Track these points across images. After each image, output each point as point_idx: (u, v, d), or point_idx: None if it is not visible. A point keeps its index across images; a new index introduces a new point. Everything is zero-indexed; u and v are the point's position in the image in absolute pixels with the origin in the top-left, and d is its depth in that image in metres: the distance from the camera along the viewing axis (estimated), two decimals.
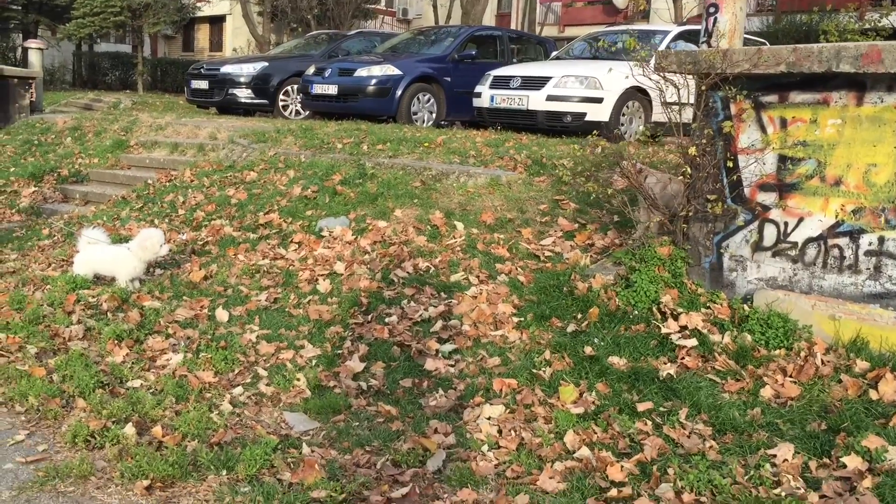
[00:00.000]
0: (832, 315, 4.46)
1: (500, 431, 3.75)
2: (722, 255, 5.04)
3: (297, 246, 6.79)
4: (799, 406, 3.95)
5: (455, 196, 7.50)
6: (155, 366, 4.55)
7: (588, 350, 4.58)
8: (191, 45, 39.89)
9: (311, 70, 13.46)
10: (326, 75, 12.93)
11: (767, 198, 4.82)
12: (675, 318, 4.77)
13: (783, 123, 4.74)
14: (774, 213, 4.80)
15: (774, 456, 3.42)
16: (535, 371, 4.36)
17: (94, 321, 5.22)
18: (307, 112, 14.58)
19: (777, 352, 4.44)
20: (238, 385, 4.36)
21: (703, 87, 4.96)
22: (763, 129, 4.81)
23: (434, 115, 12.97)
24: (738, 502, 3.14)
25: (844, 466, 3.30)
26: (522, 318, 5.03)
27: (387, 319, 5.21)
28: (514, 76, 11.29)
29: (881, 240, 4.41)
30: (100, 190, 9.93)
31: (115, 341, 4.78)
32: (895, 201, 4.34)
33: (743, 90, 4.81)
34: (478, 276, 5.82)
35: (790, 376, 4.22)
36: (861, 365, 4.22)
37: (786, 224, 4.76)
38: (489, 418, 3.89)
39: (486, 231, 6.77)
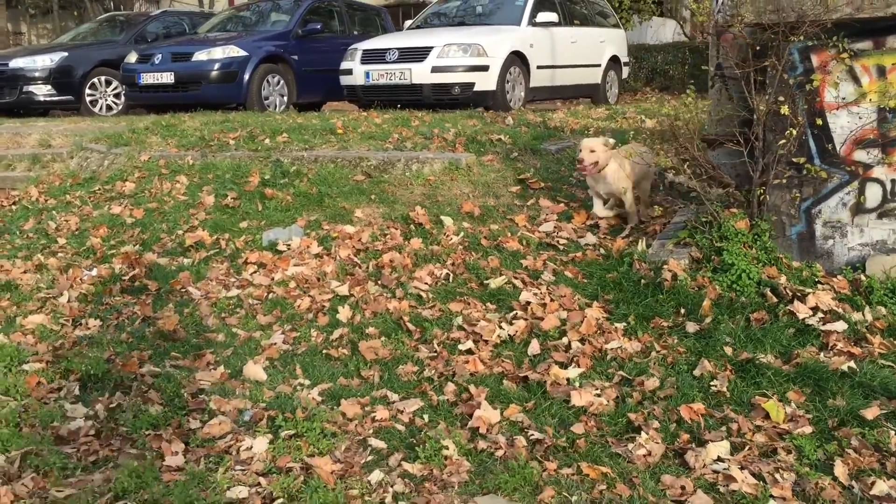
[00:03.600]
0: None
1: (760, 477, 2.99)
2: (813, 223, 4.58)
3: (256, 268, 5.51)
4: None
5: (415, 187, 6.52)
6: (239, 461, 3.27)
7: (728, 350, 3.92)
8: None
9: (133, 58, 11.57)
10: (157, 62, 11.14)
11: (868, 155, 4.40)
12: (801, 299, 4.23)
13: (881, 72, 4.31)
14: (878, 171, 4.39)
15: None
16: (707, 387, 3.63)
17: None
18: (120, 107, 12.62)
19: None
20: (369, 467, 3.22)
21: (789, 38, 4.40)
22: (856, 80, 4.37)
23: (286, 99, 11.65)
24: None
25: None
26: (626, 324, 4.26)
27: (460, 346, 4.22)
28: (388, 48, 10.30)
29: None
30: None
31: (155, 435, 3.43)
32: None
33: (830, 38, 4.32)
34: (516, 278, 4.97)
35: None
36: None
37: (893, 182, 4.36)
38: (721, 459, 3.11)
39: (477, 223, 5.90)
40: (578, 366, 3.91)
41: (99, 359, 4.26)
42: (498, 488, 3.05)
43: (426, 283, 5.01)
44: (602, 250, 5.36)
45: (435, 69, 9.91)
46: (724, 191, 4.89)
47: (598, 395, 3.65)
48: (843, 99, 4.41)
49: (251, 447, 3.34)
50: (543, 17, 10.96)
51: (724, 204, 4.89)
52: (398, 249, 5.50)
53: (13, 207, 7.35)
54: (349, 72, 10.52)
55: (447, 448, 3.27)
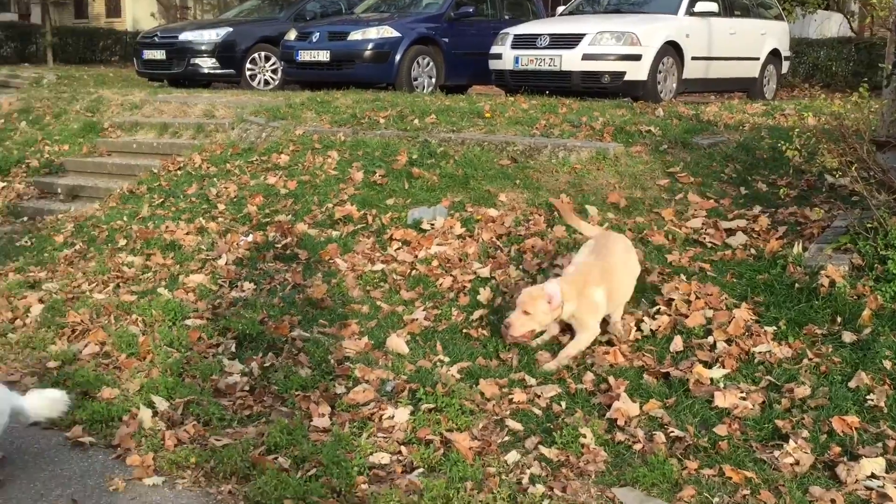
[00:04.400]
0: None
1: None
2: None
3: (400, 244, 5.66)
4: None
5: (560, 174, 6.50)
6: (381, 428, 3.40)
7: (888, 364, 3.72)
8: (84, 12, 36.65)
9: (293, 35, 12.02)
10: (314, 40, 11.54)
11: None
12: None
13: None
14: None
15: None
16: (863, 400, 3.46)
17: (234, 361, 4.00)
18: (277, 82, 13.17)
19: None
20: (505, 447, 3.28)
21: None
22: None
23: (434, 81, 11.82)
24: None
25: None
26: (776, 328, 4.11)
27: (600, 337, 4.20)
28: (540, 34, 10.26)
29: None
30: (87, 182, 8.41)
31: (304, 396, 3.61)
32: None
33: None
34: (661, 274, 4.87)
35: None
36: None
37: None
38: (875, 476, 2.97)
39: (621, 215, 5.82)
40: (723, 366, 3.81)
41: (254, 320, 4.51)
42: (636, 481, 3.03)
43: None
44: (753, 251, 5.17)
45: (586, 56, 9.80)
46: (892, 196, 4.61)
47: (744, 399, 3.55)
48: None
49: (393, 417, 3.45)
50: (702, 6, 10.62)
51: (891, 210, 4.62)
52: (541, 235, 5.51)
53: (178, 173, 7.83)
54: (499, 56, 10.55)
55: (584, 436, 3.28)
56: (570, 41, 9.95)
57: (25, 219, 7.86)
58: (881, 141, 4.86)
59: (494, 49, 10.71)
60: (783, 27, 12.70)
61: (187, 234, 6.25)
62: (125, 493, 3.10)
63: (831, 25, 20.10)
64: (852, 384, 3.59)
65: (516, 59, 10.30)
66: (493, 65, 10.72)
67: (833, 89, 13.84)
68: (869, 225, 4.64)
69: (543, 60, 10.05)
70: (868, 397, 3.49)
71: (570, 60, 9.85)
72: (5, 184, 8.59)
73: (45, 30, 23.89)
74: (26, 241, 6.70)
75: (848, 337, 3.97)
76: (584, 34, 9.89)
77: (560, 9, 12.32)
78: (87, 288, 5.34)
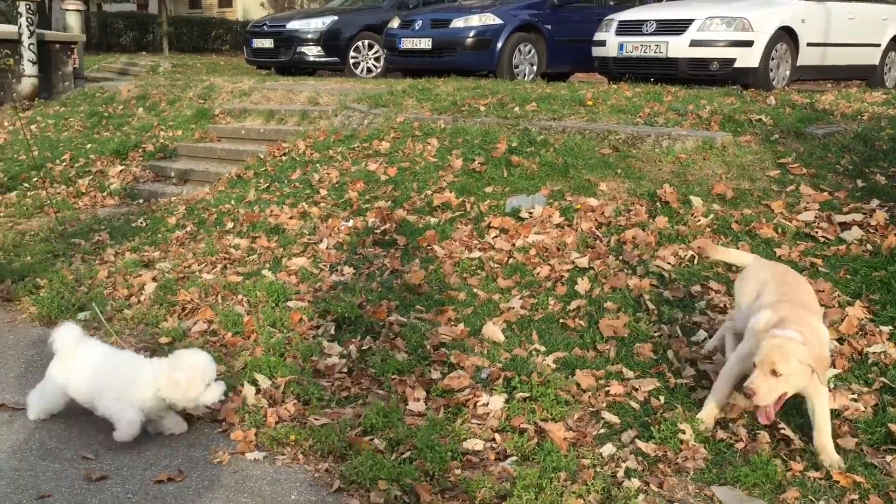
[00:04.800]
0: None
1: None
2: None
3: (498, 232, 5.64)
4: None
5: (664, 164, 6.34)
6: (475, 415, 3.42)
7: None
8: (198, 3, 38.04)
9: (396, 23, 12.15)
10: (417, 28, 11.63)
11: None
12: None
13: None
14: None
15: None
16: None
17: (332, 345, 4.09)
18: (379, 70, 13.33)
19: None
20: (601, 439, 3.24)
21: None
22: None
23: (535, 68, 11.73)
24: None
25: None
26: (893, 328, 3.91)
27: (701, 334, 4.09)
28: (646, 20, 10.03)
29: None
30: (197, 166, 8.73)
31: (400, 380, 3.66)
32: None
33: None
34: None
35: None
36: None
37: None
38: None
39: (728, 207, 5.63)
40: (834, 366, 3.65)
41: (353, 303, 4.59)
42: (737, 481, 2.94)
43: (669, 263, 4.89)
44: (869, 246, 4.93)
45: (693, 43, 9.53)
46: None
47: (855, 400, 3.40)
48: None
49: (487, 404, 3.46)
50: None
51: None
52: (642, 226, 5.40)
53: (283, 158, 8.03)
54: (602, 43, 10.38)
55: (683, 432, 3.20)
56: (677, 27, 9.70)
57: (141, 201, 8.23)
58: None
59: (598, 36, 10.54)
60: None
61: (290, 218, 6.41)
62: (228, 466, 3.22)
63: None
64: None
65: (620, 46, 10.11)
66: (597, 52, 10.55)
67: None
68: None
69: (649, 47, 9.82)
70: None
71: (677, 47, 9.60)
72: (123, 167, 9.01)
73: (162, 19, 24.89)
74: (142, 223, 7.00)
75: None
76: (693, 20, 9.62)
77: None
78: (197, 268, 5.55)
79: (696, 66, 9.60)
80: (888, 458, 3.03)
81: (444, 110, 8.25)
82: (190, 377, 3.26)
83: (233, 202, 7.03)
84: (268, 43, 13.48)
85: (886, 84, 11.57)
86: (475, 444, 3.23)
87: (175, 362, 3.32)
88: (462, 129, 7.52)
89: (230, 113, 9.95)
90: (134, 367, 3.37)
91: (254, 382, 3.70)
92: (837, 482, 2.90)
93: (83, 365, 3.37)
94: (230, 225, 6.49)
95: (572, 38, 11.64)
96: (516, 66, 11.47)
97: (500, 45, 11.20)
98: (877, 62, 11.36)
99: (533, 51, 11.63)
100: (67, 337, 3.45)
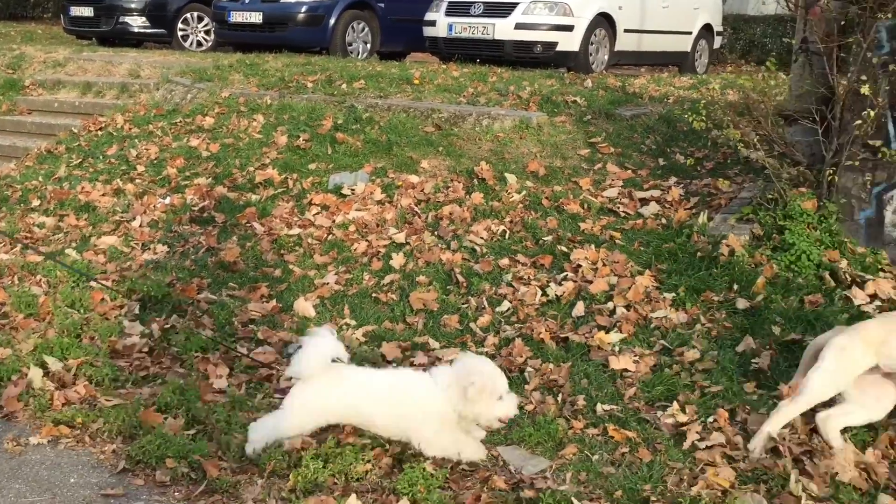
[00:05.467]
0: None
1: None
2: (883, 209, 4.42)
3: (319, 209, 5.64)
4: None
5: (483, 143, 6.53)
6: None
7: (776, 330, 3.85)
8: None
9: None
10: (247, 1, 11.32)
11: None
12: (860, 285, 4.12)
13: None
14: None
15: None
16: (748, 364, 3.59)
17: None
18: (210, 44, 12.89)
19: None
20: None
21: (871, 15, 4.22)
22: None
23: (369, 46, 11.70)
24: None
25: None
26: (675, 295, 4.22)
27: (505, 304, 4.26)
28: (474, 2, 10.23)
29: None
30: (4, 141, 8.18)
31: (203, 358, 3.59)
32: None
33: None
34: (571, 242, 4.95)
35: None
36: None
37: None
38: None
39: (540, 183, 5.88)
40: (620, 331, 3.91)
41: (161, 282, 4.47)
42: (522, 441, 3.11)
43: (482, 238, 5.06)
44: (663, 220, 5.28)
45: (518, 26, 9.82)
46: (794, 169, 4.75)
47: (636, 362, 3.66)
48: None
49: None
50: None
51: (793, 182, 4.76)
52: (459, 202, 5.55)
53: (99, 133, 7.66)
54: (433, 23, 10.50)
55: None
56: (503, 10, 9.96)
57: None
58: (788, 115, 4.99)
59: (429, 16, 10.65)
60: (716, 2, 12.86)
61: (103, 195, 6.14)
62: (4, 453, 3.07)
63: (769, 2, 20.39)
64: (740, 348, 3.72)
65: (450, 27, 10.27)
66: (428, 31, 10.67)
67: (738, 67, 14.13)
68: (770, 196, 4.78)
69: (476, 28, 10.03)
70: (753, 361, 3.62)
71: (503, 29, 9.86)
72: None
73: None
74: None
75: (742, 303, 4.10)
76: (518, 3, 9.90)
77: None
78: None
79: (521, 49, 9.89)
80: (659, 413, 3.28)
81: (272, 86, 8.11)
82: None
83: (41, 179, 6.64)
84: (87, 11, 12.70)
85: (697, 70, 12.36)
86: None
87: None
88: (288, 106, 7.43)
89: (42, 84, 9.36)
90: None
91: (43, 365, 3.54)
92: (612, 437, 3.12)
93: None
94: (36, 202, 6.14)
95: (406, 17, 11.65)
96: (350, 44, 11.39)
97: (332, 21, 11.09)
98: (688, 49, 12.11)
99: (366, 28, 11.59)
100: None
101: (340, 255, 4.97)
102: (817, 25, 4.66)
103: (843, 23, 4.38)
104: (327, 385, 2.91)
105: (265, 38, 11.20)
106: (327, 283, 4.56)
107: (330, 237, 5.23)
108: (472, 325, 4.09)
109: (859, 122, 4.26)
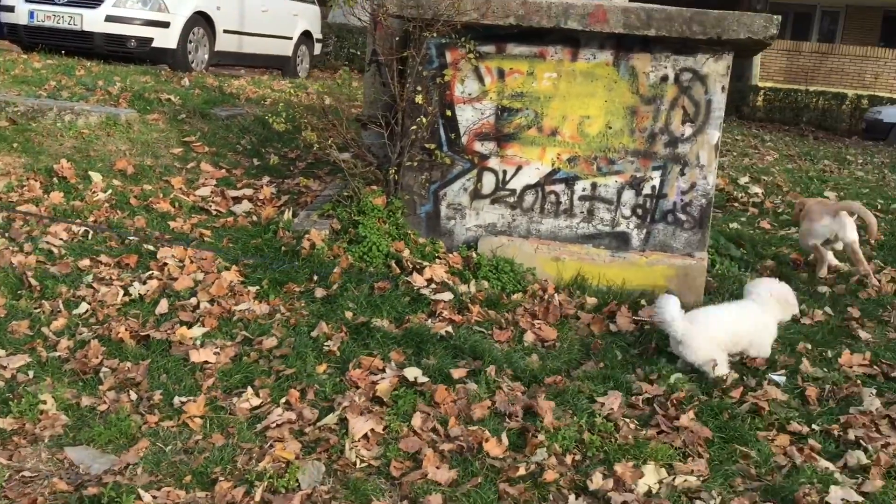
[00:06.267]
0: (556, 257, 4.84)
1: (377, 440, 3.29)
2: (439, 204, 5.07)
3: None
4: (565, 347, 4.23)
5: (66, 139, 6.20)
6: None
7: (349, 315, 4.25)
8: None
9: None
10: None
11: (486, 147, 4.95)
12: (419, 271, 4.68)
13: (501, 74, 4.88)
14: (493, 162, 4.96)
15: (603, 405, 3.61)
16: (321, 347, 3.90)
17: None
18: None
19: (515, 296, 4.66)
20: None
21: (423, 34, 4.81)
22: (480, 79, 4.90)
23: None
24: (605, 454, 3.27)
25: (668, 396, 3.66)
26: (259, 288, 4.43)
27: (83, 306, 4.12)
28: None
29: (594, 185, 4.88)
30: None
31: None
32: (606, 150, 4.83)
33: (460, 38, 4.80)
34: (159, 240, 4.93)
35: (539, 318, 4.49)
36: (590, 300, 4.69)
37: (504, 172, 4.96)
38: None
39: (129, 182, 5.76)
40: (203, 325, 4.01)
41: None
42: (92, 440, 3.07)
43: (61, 239, 4.81)
44: (254, 217, 5.48)
45: (109, 18, 9.39)
46: (367, 169, 5.23)
47: (218, 353, 3.78)
48: (470, 95, 4.91)
49: None
50: None
51: (366, 181, 5.24)
52: (35, 202, 5.21)
53: None
54: (10, 8, 9.61)
55: (45, 402, 3.22)
56: (92, 0, 9.44)
57: None
58: (363, 120, 5.46)
59: (6, 0, 9.71)
60: (315, 11, 13.47)
61: None
62: None
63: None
64: (314, 333, 4.03)
65: (31, 14, 9.49)
66: (5, 18, 9.75)
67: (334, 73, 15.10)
68: (347, 194, 5.21)
69: (62, 18, 9.40)
70: (326, 344, 3.95)
71: (93, 21, 9.37)
72: None
73: None
74: None
75: (320, 292, 4.44)
76: None
77: None
78: None
79: (113, 42, 9.48)
80: (235, 399, 3.45)
81: None
82: None
83: None
84: None
85: (300, 74, 12.85)
86: None
87: None
88: None
89: None
90: None
91: None
92: (188, 426, 3.22)
93: None
94: None
95: None
96: None
97: None
98: (290, 53, 12.53)
99: None
100: None
101: None
102: (382, 40, 5.18)
103: (397, 38, 4.92)
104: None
105: None
106: None
107: None
108: (44, 329, 3.89)
109: (415, 127, 4.83)
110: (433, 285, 4.61)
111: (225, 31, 10.62)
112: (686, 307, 3.94)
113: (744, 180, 7.82)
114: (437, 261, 4.85)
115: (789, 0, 27.70)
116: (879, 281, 5.27)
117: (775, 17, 4.48)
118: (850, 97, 22.23)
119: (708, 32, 4.51)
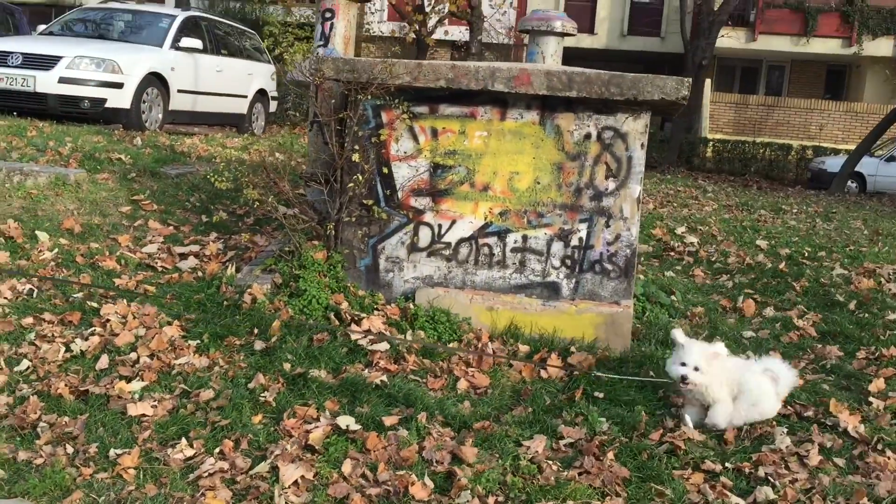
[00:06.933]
0: (490, 306, 5.04)
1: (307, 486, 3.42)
2: (378, 257, 5.25)
3: None
4: (497, 394, 4.41)
5: (14, 200, 6.31)
6: None
7: (287, 366, 4.39)
8: None
9: None
10: None
11: (421, 202, 5.17)
12: (357, 322, 4.84)
13: (434, 133, 5.12)
14: (428, 217, 5.18)
15: (528, 448, 3.78)
16: (258, 398, 4.03)
17: None
18: None
19: (451, 345, 4.84)
20: None
21: (358, 96, 5.05)
22: (415, 138, 5.14)
23: None
24: (526, 495, 3.43)
25: (591, 439, 3.84)
26: (199, 342, 4.55)
27: (24, 363, 4.21)
28: (11, 52, 9.76)
29: (525, 238, 5.11)
30: None
31: None
32: (535, 204, 5.08)
33: (394, 100, 5.05)
34: (104, 297, 5.05)
35: (472, 366, 4.67)
36: (523, 348, 4.88)
37: (439, 226, 5.18)
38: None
39: (76, 241, 5.87)
40: (142, 379, 4.12)
41: None
42: (26, 493, 3.16)
43: (5, 298, 4.90)
44: (200, 273, 5.61)
45: (63, 80, 9.57)
46: (308, 224, 5.41)
47: (155, 406, 3.89)
48: (405, 153, 5.15)
49: None
50: (187, 42, 11.07)
51: (308, 236, 5.42)
52: None
53: None
54: None
55: None
56: (45, 62, 9.64)
57: None
58: (306, 176, 5.66)
59: None
60: (270, 69, 13.77)
61: None
62: None
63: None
64: (252, 385, 4.16)
65: None
66: None
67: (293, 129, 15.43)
68: (289, 249, 5.38)
69: (16, 80, 9.56)
70: (263, 395, 4.08)
71: (46, 82, 9.54)
72: None
73: None
74: None
75: (259, 345, 4.57)
76: (62, 56, 9.66)
77: (41, 27, 11.77)
78: None
79: (67, 103, 9.65)
80: (169, 450, 3.55)
81: None
82: None
83: None
84: None
85: (255, 132, 13.08)
86: None
87: None
88: None
89: None
90: None
91: None
92: (122, 477, 3.32)
93: None
94: None
95: None
96: None
97: None
98: (245, 111, 12.77)
99: None
100: None
101: None
102: (321, 101, 5.43)
103: (337, 100, 5.16)
104: None
105: None
106: None
107: None
108: None
109: (352, 184, 5.05)
110: (370, 336, 4.77)
111: (179, 91, 10.84)
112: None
113: (681, 230, 8.12)
114: (376, 312, 5.02)
115: (737, 55, 28.78)
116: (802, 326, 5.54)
117: (686, 79, 4.80)
118: (795, 148, 23.02)
119: (625, 94, 4.81)
